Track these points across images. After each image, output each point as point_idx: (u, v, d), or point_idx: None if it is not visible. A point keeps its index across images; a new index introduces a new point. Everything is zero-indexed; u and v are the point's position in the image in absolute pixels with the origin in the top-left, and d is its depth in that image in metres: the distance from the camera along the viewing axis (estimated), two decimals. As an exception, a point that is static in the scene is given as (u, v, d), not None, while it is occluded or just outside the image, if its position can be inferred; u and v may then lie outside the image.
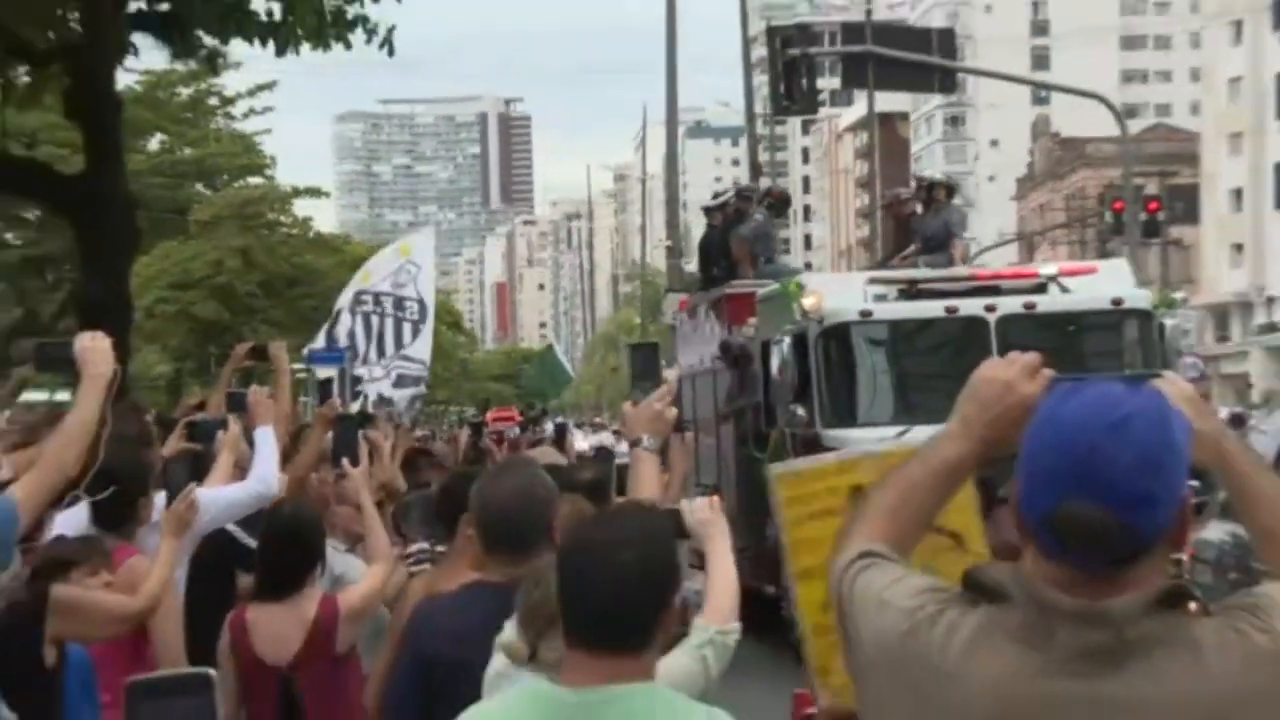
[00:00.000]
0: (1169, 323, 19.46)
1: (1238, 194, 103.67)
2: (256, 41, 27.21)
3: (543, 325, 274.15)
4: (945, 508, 3.29)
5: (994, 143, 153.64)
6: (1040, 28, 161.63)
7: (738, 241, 24.71)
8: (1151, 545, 3.11)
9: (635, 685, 4.10)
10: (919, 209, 24.40)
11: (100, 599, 8.01)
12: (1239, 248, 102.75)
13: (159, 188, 43.78)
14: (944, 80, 50.28)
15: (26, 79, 27.84)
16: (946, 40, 47.92)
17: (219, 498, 9.65)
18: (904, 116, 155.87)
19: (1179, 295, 48.97)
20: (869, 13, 66.31)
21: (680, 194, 65.67)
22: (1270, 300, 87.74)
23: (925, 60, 43.27)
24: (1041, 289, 18.65)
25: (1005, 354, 15.04)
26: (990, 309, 18.03)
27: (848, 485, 3.29)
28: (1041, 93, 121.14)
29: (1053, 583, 3.13)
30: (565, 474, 10.56)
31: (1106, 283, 19.20)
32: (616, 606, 4.17)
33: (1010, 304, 18.21)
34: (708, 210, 28.91)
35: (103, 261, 27.50)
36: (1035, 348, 14.60)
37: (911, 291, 18.66)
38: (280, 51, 27.15)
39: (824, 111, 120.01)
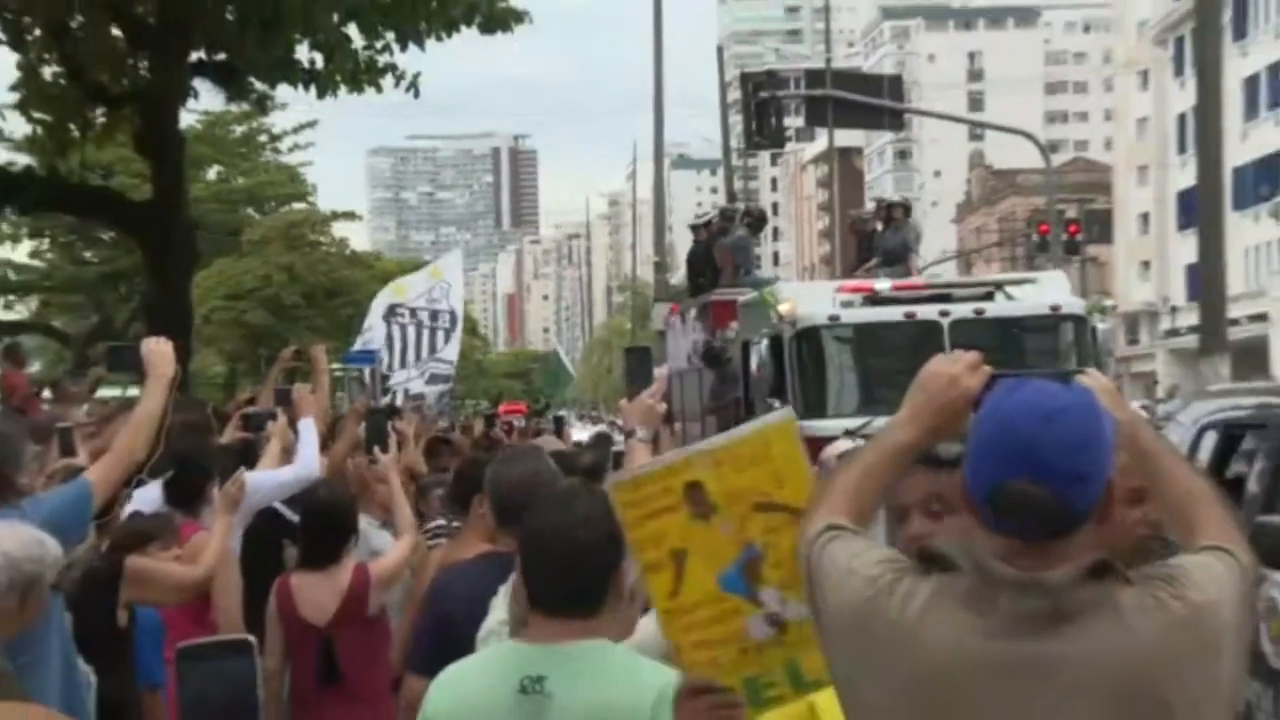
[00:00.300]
0: (1101, 327, 19.77)
1: (1145, 218, 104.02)
2: (300, 86, 27.29)
3: (546, 330, 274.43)
4: (782, 484, 3.31)
5: (936, 173, 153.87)
6: (976, 75, 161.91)
7: (721, 250, 24.86)
8: (1083, 519, 3.20)
9: (586, 642, 4.16)
10: (879, 227, 24.72)
11: (167, 569, 8.07)
12: (1146, 264, 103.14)
13: (216, 212, 43.76)
14: (893, 120, 50.51)
15: (103, 119, 27.79)
16: (895, 85, 47.96)
17: (268, 479, 9.75)
18: (859, 151, 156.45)
19: (1109, 303, 48.93)
20: (828, 61, 66.05)
21: (666, 217, 65.57)
22: (1173, 309, 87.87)
23: (877, 102, 43.35)
24: (989, 296, 18.88)
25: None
26: (944, 314, 18.13)
27: (681, 483, 3.30)
28: (977, 130, 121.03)
29: (996, 554, 3.18)
30: (568, 459, 10.63)
31: (1046, 291, 19.47)
32: (568, 577, 4.27)
33: (961, 310, 18.33)
34: (694, 227, 28.96)
35: (167, 276, 27.53)
36: (983, 348, 14.44)
37: (875, 299, 18.77)
38: (321, 95, 27.20)
39: (790, 146, 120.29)
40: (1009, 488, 3.17)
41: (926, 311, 18.29)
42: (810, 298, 19.26)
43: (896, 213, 24.80)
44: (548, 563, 4.34)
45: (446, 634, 5.87)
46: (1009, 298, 18.98)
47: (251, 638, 7.71)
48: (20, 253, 46.06)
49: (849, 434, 14.35)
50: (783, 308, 18.65)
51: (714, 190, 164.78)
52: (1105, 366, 19.73)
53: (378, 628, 8.33)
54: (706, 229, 26.93)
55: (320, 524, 8.72)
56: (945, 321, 18.02)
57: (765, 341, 18.56)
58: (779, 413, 3.31)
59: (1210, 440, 11.60)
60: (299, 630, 8.36)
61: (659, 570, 3.32)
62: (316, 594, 8.40)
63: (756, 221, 27.19)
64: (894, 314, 18.47)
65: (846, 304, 18.66)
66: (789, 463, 3.37)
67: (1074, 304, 19.51)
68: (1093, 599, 3.13)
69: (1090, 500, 3.20)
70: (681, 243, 74.38)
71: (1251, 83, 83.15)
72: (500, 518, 6.71)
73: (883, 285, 19.62)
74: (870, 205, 27.89)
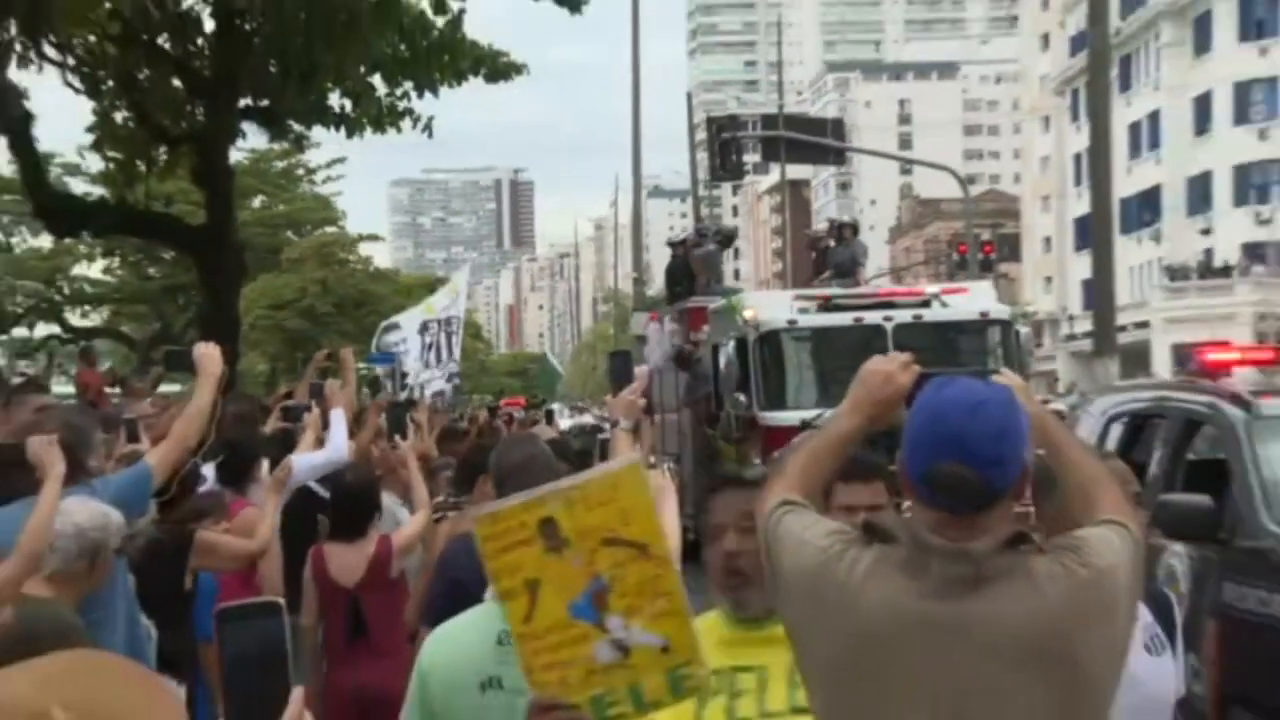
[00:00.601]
0: (1023, 331, 20.26)
1: (1048, 241, 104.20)
2: (332, 128, 27.48)
3: (541, 335, 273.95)
4: (628, 522, 3.19)
5: (872, 202, 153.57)
6: (905, 119, 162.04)
7: (696, 260, 25.04)
8: (1002, 496, 3.27)
9: None
10: (831, 243, 25.04)
11: (229, 541, 8.27)
12: (1049, 280, 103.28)
13: (260, 235, 43.69)
14: (836, 156, 50.91)
15: (165, 156, 27.77)
16: (838, 127, 48.18)
17: (304, 462, 9.71)
18: (807, 182, 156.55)
19: (1030, 309, 48.67)
20: (781, 107, 66.23)
21: (643, 239, 65.53)
22: (1071, 318, 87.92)
23: (822, 142, 43.42)
24: (926, 304, 19.05)
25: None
26: (888, 319, 18.30)
27: (536, 519, 3.22)
28: (906, 166, 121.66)
29: (928, 527, 3.27)
30: (561, 445, 10.69)
31: (976, 300, 19.67)
32: None
33: (903, 315, 18.50)
34: (672, 244, 28.99)
35: (218, 289, 27.46)
36: (922, 349, 12.88)
37: (827, 306, 19.02)
38: (349, 135, 27.32)
39: (748, 178, 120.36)
40: (940, 469, 3.25)
41: (872, 317, 18.40)
42: (771, 305, 19.62)
43: (846, 231, 25.28)
44: None
45: (457, 595, 5.77)
46: (944, 305, 19.09)
47: (281, 599, 7.43)
48: (95, 269, 46.19)
49: (805, 425, 14.33)
50: (747, 314, 18.89)
51: (684, 215, 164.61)
52: (1026, 365, 20.06)
53: (398, 590, 8.33)
54: (683, 245, 26.94)
55: (348, 501, 8.82)
56: (889, 325, 18.13)
57: (732, 343, 18.75)
58: (626, 457, 3.42)
59: (1116, 429, 11.65)
60: (331, 592, 8.47)
61: (514, 598, 3.27)
62: (346, 561, 8.49)
63: (726, 239, 27.57)
64: (844, 319, 18.54)
65: (803, 310, 18.88)
66: (635, 503, 3.28)
67: (1000, 311, 19.75)
68: (1010, 565, 3.21)
69: (1009, 480, 3.28)
70: (656, 260, 74.44)
71: (1135, 128, 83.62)
72: (501, 495, 6.62)
73: (834, 293, 19.98)
74: (823, 226, 28.07)
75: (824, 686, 3.40)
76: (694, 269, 24.95)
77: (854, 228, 26.46)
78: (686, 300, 23.87)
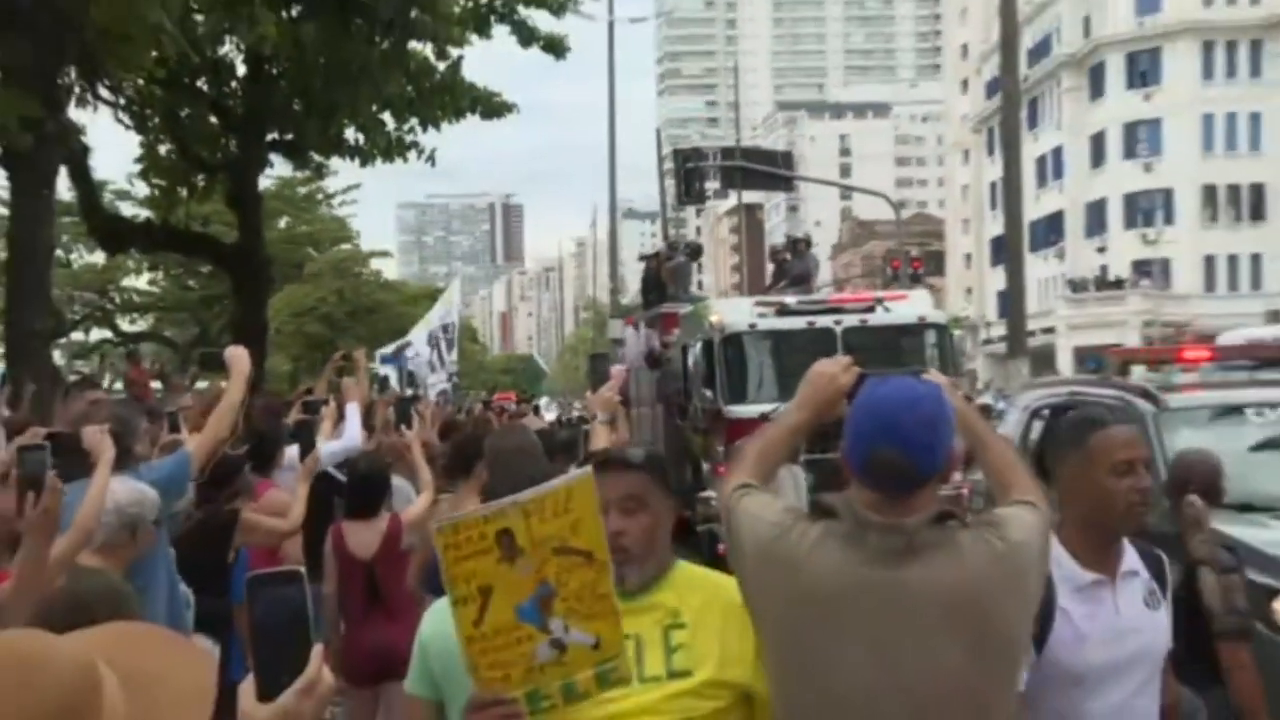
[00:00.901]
0: (956, 334, 20.64)
1: (968, 257, 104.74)
2: (347, 158, 27.43)
3: (530, 339, 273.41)
4: (578, 532, 3.13)
5: (817, 223, 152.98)
6: (845, 151, 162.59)
7: (668, 271, 24.88)
8: (931, 478, 3.35)
9: None
10: (789, 256, 24.87)
11: (268, 521, 8.34)
12: (969, 291, 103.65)
13: (285, 251, 43.51)
14: (785, 183, 51.02)
15: (203, 183, 27.78)
16: (787, 158, 48.37)
17: (324, 450, 9.76)
18: (760, 206, 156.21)
19: (964, 315, 48.53)
20: (738, 141, 66.64)
21: (619, 256, 65.56)
22: (988, 324, 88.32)
23: (774, 171, 43.46)
24: (871, 309, 18.81)
25: (848, 354, 14.43)
26: (837, 322, 18.16)
27: (494, 530, 3.14)
28: (845, 192, 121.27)
29: (867, 505, 3.35)
30: (548, 435, 10.67)
31: (915, 306, 19.55)
32: None
33: (850, 320, 18.33)
34: (645, 257, 28.82)
35: (249, 298, 27.50)
36: (867, 349, 15.01)
37: (784, 311, 18.75)
38: (363, 164, 27.29)
39: (710, 202, 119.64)
40: (878, 456, 3.33)
41: (823, 321, 18.23)
42: (734, 310, 19.39)
43: (801, 246, 25.14)
44: None
45: None
46: (886, 310, 18.86)
47: (302, 568, 7.45)
48: (142, 281, 46.09)
49: (764, 418, 14.39)
50: (713, 318, 18.76)
51: (654, 235, 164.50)
52: (959, 363, 20.53)
53: (406, 560, 8.26)
54: (656, 258, 26.80)
55: (363, 484, 8.86)
56: (838, 328, 18.01)
57: (699, 344, 18.81)
58: (579, 471, 3.15)
59: (1039, 420, 11.81)
60: (349, 564, 8.49)
61: (466, 603, 3.17)
62: (362, 537, 8.51)
63: (694, 252, 27.36)
64: (798, 323, 18.38)
65: (762, 315, 18.64)
66: (585, 513, 3.20)
67: (937, 315, 19.68)
68: (938, 538, 3.29)
69: (937, 466, 3.35)
70: (630, 274, 74.48)
71: (1041, 161, 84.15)
72: (494, 477, 6.67)
73: (790, 300, 19.74)
74: (781, 241, 27.74)
75: (775, 639, 3.43)
76: (665, 280, 24.80)
77: (808, 243, 26.25)
78: (659, 307, 23.63)
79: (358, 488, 8.87)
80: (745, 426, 14.92)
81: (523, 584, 3.17)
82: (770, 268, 26.21)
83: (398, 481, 9.33)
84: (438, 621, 4.26)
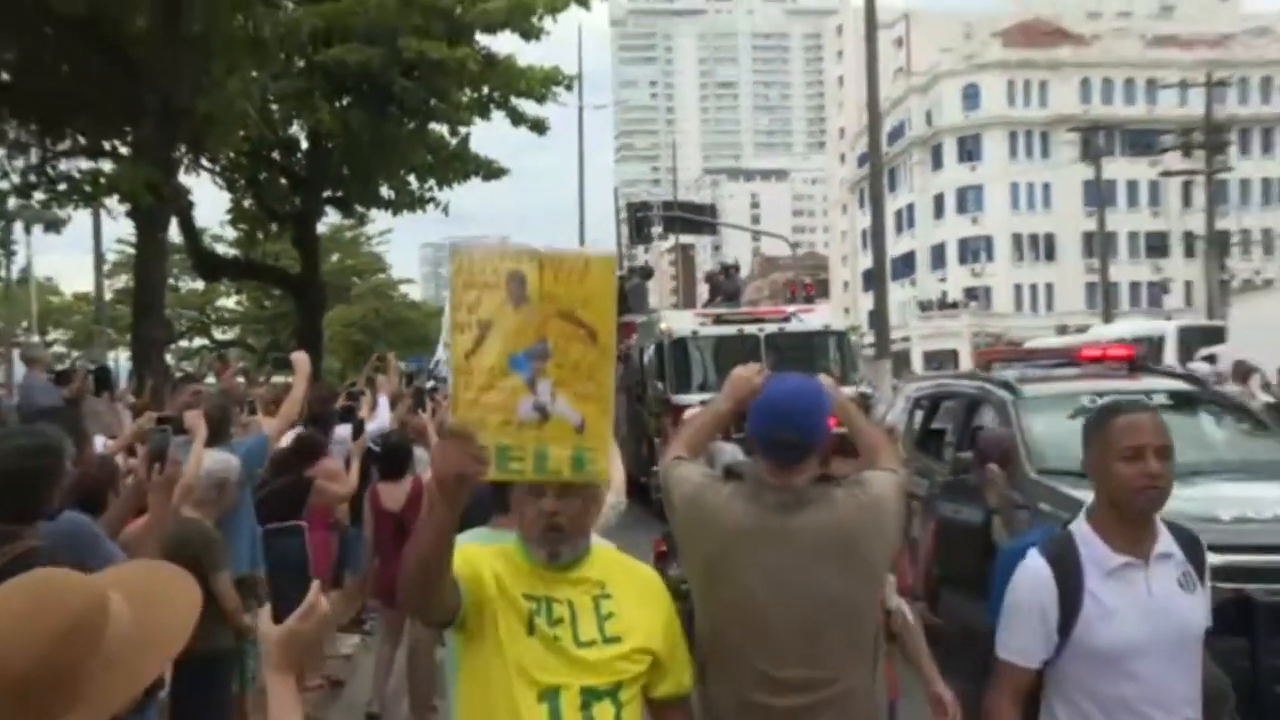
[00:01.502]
0: (853, 339, 20.50)
1: (846, 284, 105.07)
2: (383, 210, 27.55)
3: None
4: (588, 305, 2.80)
5: (735, 259, 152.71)
6: (755, 205, 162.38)
7: (628, 290, 24.32)
8: (813, 453, 3.36)
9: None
10: (723, 278, 25.01)
11: (333, 488, 8.63)
12: (847, 310, 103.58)
13: (335, 279, 43.37)
14: (711, 229, 51.19)
15: (275, 228, 27.82)
16: (712, 210, 49.25)
17: (372, 429, 10.07)
18: (692, 245, 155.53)
19: (858, 326, 48.35)
20: (675, 196, 66.60)
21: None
22: (861, 335, 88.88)
23: (701, 219, 43.83)
24: (787, 320, 18.57)
25: (769, 356, 14.79)
26: (761, 330, 18.00)
27: (506, 269, 2.70)
28: (756, 236, 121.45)
29: (766, 471, 3.38)
30: None
31: (821, 317, 19.46)
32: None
33: (771, 328, 18.15)
34: (619, 277, 28.16)
35: (308, 314, 27.42)
36: (784, 351, 15.68)
37: (719, 320, 18.70)
38: (394, 214, 27.39)
39: (654, 243, 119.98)
40: (774, 435, 3.37)
41: (750, 328, 18.05)
42: (680, 320, 19.32)
43: (732, 270, 25.65)
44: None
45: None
46: (799, 320, 18.62)
47: (303, 522, 7.81)
48: (230, 301, 46.12)
49: (703, 405, 15.06)
50: (663, 326, 18.71)
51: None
52: (855, 361, 20.10)
53: None
54: (619, 279, 26.30)
55: (392, 454, 8.86)
56: (761, 334, 17.81)
57: (653, 346, 18.75)
58: (604, 247, 2.78)
59: (922, 407, 11.42)
60: (382, 515, 8.47)
61: (464, 331, 2.71)
62: (393, 494, 8.50)
63: (646, 274, 27.83)
64: (730, 330, 18.17)
65: (702, 324, 18.51)
66: (599, 291, 2.82)
67: (839, 324, 19.76)
68: (818, 494, 3.33)
69: (817, 443, 3.38)
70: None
71: (898, 214, 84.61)
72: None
73: (724, 312, 19.65)
74: (716, 267, 27.70)
75: (699, 569, 3.46)
76: (626, 297, 24.17)
77: (736, 268, 26.44)
78: (621, 318, 23.21)
79: (388, 457, 8.84)
80: (688, 410, 14.81)
81: (522, 332, 2.76)
82: (705, 288, 25.90)
83: (419, 452, 9.24)
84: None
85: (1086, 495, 5.37)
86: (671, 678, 3.12)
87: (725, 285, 24.43)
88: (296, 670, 2.39)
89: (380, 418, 10.52)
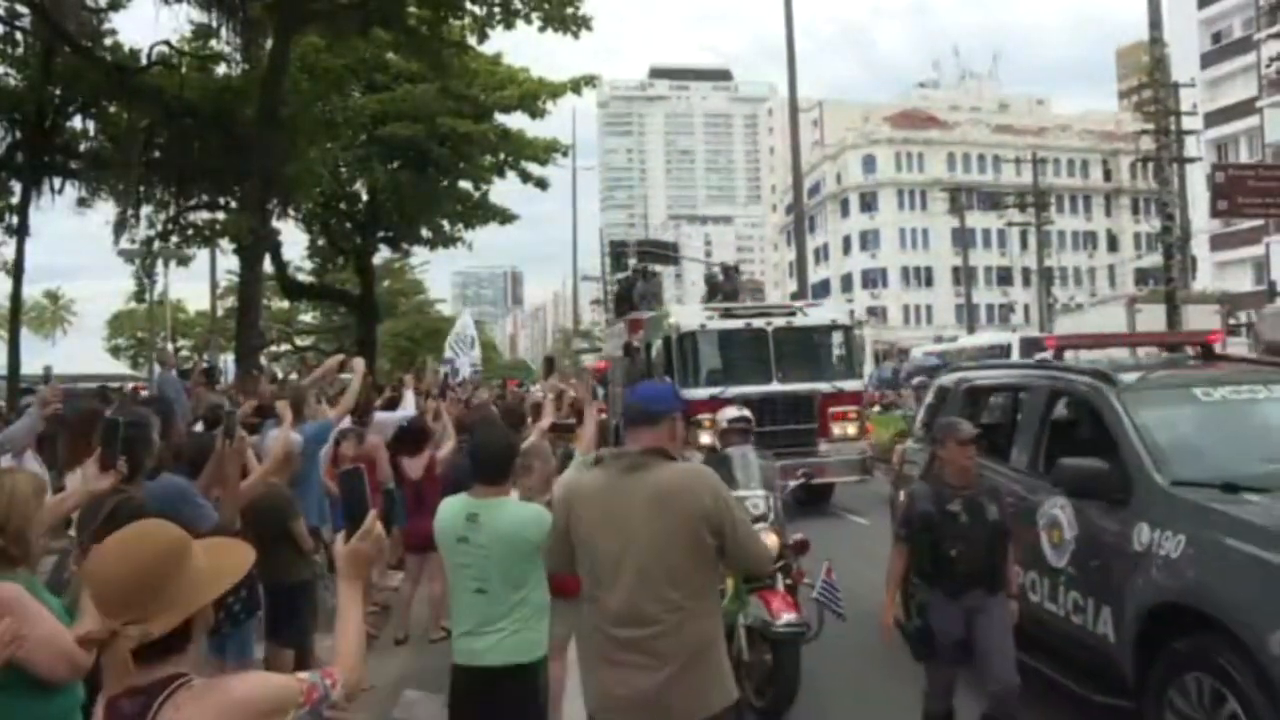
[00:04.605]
0: (858, 334, 16.50)
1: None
2: (423, 246, 27.55)
3: (526, 351, 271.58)
4: None
5: (691, 283, 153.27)
6: (708, 242, 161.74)
7: (639, 291, 21.07)
8: (655, 424, 3.24)
9: (496, 499, 3.95)
10: (721, 279, 20.94)
11: (381, 456, 8.43)
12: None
13: (387, 299, 43.16)
14: (674, 261, 50.77)
15: (341, 260, 27.72)
16: (675, 247, 48.23)
17: (393, 416, 9.95)
18: (658, 272, 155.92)
19: (863, 320, 47.68)
20: (646, 234, 66.52)
21: (579, 302, 65.33)
22: (864, 330, 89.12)
23: (667, 253, 43.32)
24: (794, 314, 14.70)
25: (778, 349, 13.41)
26: (768, 324, 14.24)
27: None
28: (712, 265, 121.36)
29: (628, 441, 3.26)
30: (505, 409, 10.38)
31: (827, 312, 15.51)
32: (489, 462, 4.04)
33: (779, 321, 14.30)
34: (619, 280, 25.68)
35: (366, 327, 27.26)
36: (790, 344, 13.16)
37: (727, 314, 14.80)
38: (431, 250, 27.94)
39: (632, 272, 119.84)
40: (630, 406, 3.33)
41: (758, 323, 14.40)
42: (688, 315, 15.28)
43: (731, 273, 21.52)
44: (480, 454, 4.09)
45: (456, 484, 5.36)
46: (805, 315, 14.81)
47: (363, 467, 7.44)
48: (308, 316, 45.80)
49: (712, 398, 12.74)
50: (671, 320, 15.09)
51: (598, 292, 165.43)
52: (861, 355, 16.54)
53: (440, 483, 8.01)
54: (627, 280, 22.99)
55: (412, 434, 8.71)
56: (769, 328, 14.24)
57: (661, 340, 15.18)
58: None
59: (957, 400, 7.70)
60: (406, 483, 8.38)
61: None
62: (414, 465, 8.37)
63: (652, 275, 23.20)
64: (738, 324, 14.50)
65: (710, 318, 14.76)
66: None
67: (844, 318, 15.43)
68: (649, 461, 3.16)
69: (664, 414, 3.27)
70: (585, 313, 74.38)
71: (816, 251, 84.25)
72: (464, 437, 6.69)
73: (731, 307, 15.80)
74: (716, 269, 22.79)
75: (576, 532, 3.27)
76: (635, 296, 20.67)
77: (736, 269, 21.99)
78: (629, 314, 19.38)
79: (410, 436, 8.73)
80: (697, 405, 12.68)
81: None
82: (705, 289, 20.68)
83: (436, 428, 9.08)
84: (442, 515, 4.12)
85: (1249, 513, 4.38)
86: None
87: (724, 285, 20.52)
88: (362, 577, 2.44)
89: (406, 407, 10.36)
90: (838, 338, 15.01)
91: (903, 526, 5.06)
